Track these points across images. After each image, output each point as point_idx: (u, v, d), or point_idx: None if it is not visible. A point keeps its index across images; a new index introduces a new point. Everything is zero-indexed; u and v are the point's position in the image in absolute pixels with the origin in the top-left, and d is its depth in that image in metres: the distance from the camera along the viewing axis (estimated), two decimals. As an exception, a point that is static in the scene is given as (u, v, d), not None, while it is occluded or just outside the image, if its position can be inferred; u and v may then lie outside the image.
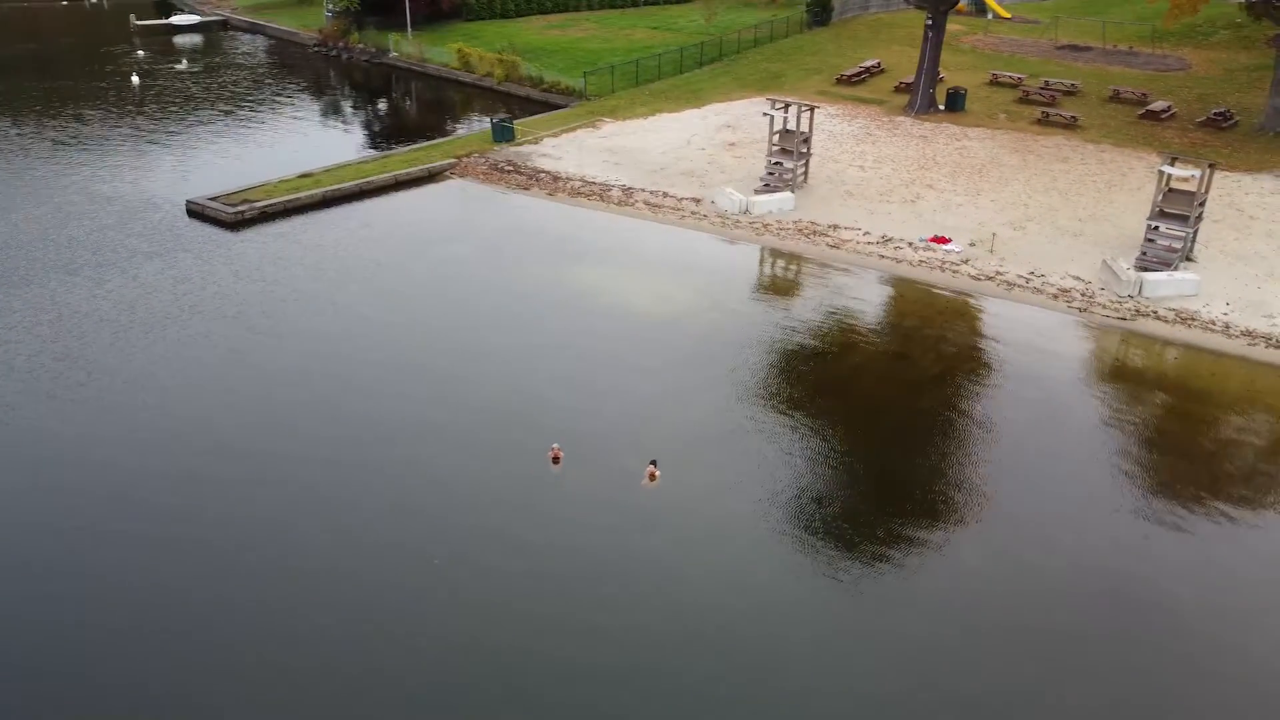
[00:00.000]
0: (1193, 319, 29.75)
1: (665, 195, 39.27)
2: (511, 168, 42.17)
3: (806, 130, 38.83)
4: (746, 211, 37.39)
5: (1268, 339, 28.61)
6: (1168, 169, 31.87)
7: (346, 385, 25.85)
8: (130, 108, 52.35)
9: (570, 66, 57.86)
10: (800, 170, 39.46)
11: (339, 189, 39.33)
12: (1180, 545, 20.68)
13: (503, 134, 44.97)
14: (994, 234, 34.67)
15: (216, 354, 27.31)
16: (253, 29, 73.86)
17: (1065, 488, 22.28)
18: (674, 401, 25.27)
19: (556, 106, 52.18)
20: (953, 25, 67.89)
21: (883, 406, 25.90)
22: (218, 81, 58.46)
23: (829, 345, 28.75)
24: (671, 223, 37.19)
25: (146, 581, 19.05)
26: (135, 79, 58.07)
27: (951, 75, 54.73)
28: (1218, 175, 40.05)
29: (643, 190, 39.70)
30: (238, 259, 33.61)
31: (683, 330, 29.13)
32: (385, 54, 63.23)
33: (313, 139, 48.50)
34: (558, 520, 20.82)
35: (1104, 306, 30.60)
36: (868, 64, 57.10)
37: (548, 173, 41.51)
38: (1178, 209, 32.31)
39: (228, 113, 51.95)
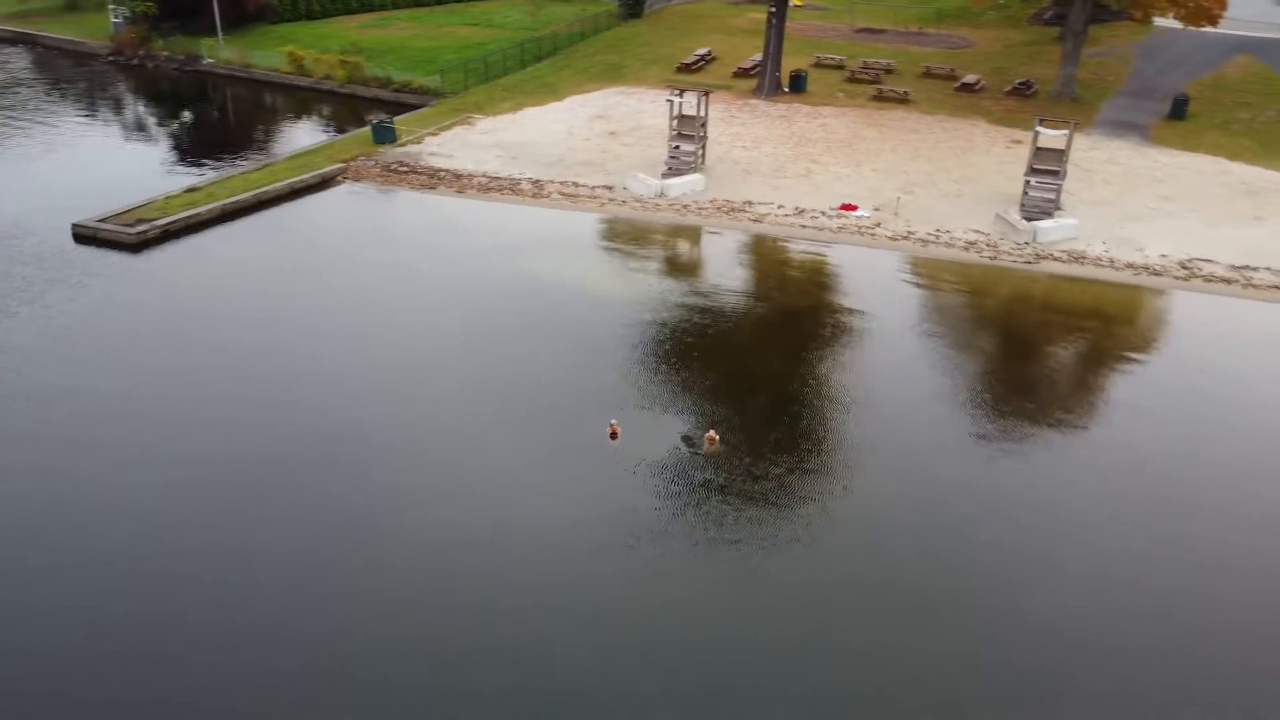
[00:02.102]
0: (1083, 257, 34.41)
1: (576, 185, 40.10)
2: (407, 168, 41.47)
3: (703, 115, 40.82)
4: (662, 194, 38.95)
5: (1146, 268, 33.63)
6: (1041, 129, 36.45)
7: (412, 397, 25.28)
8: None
9: (410, 66, 56.99)
10: (699, 153, 41.43)
11: (236, 201, 37.29)
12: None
13: (384, 135, 44.00)
14: (898, 198, 38.21)
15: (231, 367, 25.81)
16: (20, 40, 66.68)
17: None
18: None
19: (411, 106, 51.27)
20: (758, 14, 72.44)
21: (891, 329, 28.44)
22: (8, 102, 52.80)
23: (817, 298, 31.00)
24: (593, 210, 38.15)
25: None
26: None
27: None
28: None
29: (552, 182, 40.32)
30: (165, 279, 31.50)
31: (677, 306, 30.40)
32: (198, 61, 59.33)
33: (156, 155, 45.55)
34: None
35: (1009, 254, 34.70)
36: (700, 52, 59.95)
37: (448, 171, 41.18)
38: (1048, 165, 37.01)
39: (42, 133, 47.29)
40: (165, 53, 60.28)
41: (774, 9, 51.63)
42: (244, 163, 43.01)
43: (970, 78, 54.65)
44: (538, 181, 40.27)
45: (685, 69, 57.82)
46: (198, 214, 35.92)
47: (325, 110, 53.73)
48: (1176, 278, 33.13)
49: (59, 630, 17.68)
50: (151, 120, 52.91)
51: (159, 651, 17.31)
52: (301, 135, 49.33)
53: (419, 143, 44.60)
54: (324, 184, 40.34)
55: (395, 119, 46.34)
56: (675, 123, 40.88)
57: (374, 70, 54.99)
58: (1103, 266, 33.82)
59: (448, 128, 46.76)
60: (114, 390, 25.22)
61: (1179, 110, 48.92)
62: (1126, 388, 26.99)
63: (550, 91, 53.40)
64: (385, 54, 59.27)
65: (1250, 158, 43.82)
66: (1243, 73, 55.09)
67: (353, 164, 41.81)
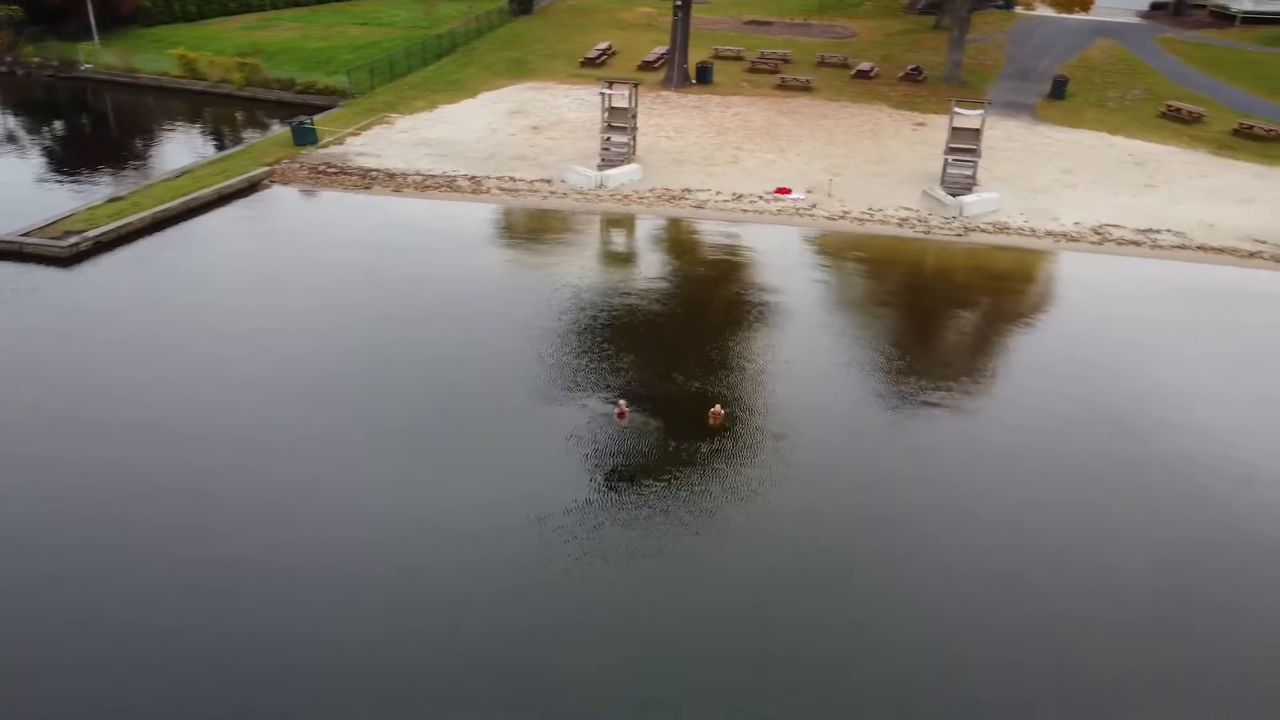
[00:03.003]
0: (1007, 227, 36.88)
1: (514, 180, 40.24)
2: (336, 169, 40.70)
3: (634, 107, 41.59)
4: (602, 185, 39.55)
5: (1064, 235, 36.34)
6: (958, 110, 38.79)
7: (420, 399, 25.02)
8: None
9: (309, 66, 55.72)
10: (631, 144, 42.17)
11: (167, 209, 35.84)
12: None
13: (305, 137, 43.01)
14: (830, 179, 39.93)
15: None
16: None
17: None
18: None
19: (319, 108, 50.05)
20: (647, 9, 73.80)
21: (850, 299, 29.90)
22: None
23: (789, 275, 32.22)
24: (537, 204, 38.42)
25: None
26: None
27: (682, 52, 59.80)
28: (944, 118, 48.57)
29: (489, 177, 40.33)
30: (116, 290, 30.18)
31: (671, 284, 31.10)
32: (75, 66, 56.24)
33: (52, 167, 43.26)
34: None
35: (940, 228, 36.86)
36: (601, 47, 60.67)
37: (380, 170, 40.63)
38: (965, 143, 39.42)
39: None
40: (36, 59, 56.87)
41: (679, 2, 52.79)
42: (158, 171, 41.34)
43: (865, 65, 57.24)
44: (474, 178, 40.20)
45: (589, 64, 58.42)
46: (129, 224, 34.36)
47: (225, 114, 51.88)
48: (1092, 242, 35.94)
49: None
50: (35, 131, 49.90)
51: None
52: (207, 141, 47.60)
53: (341, 143, 43.77)
54: (252, 188, 39.16)
55: (317, 119, 45.28)
56: (607, 115, 41.49)
57: (274, 72, 53.38)
58: (1026, 235, 36.34)
59: (367, 127, 46.02)
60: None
61: (1059, 90, 52.65)
62: (1064, 335, 29.19)
63: (460, 89, 53.11)
64: (278, 55, 57.65)
65: (1129, 132, 47.65)
66: (1105, 55, 59.60)
67: (278, 167, 40.72)
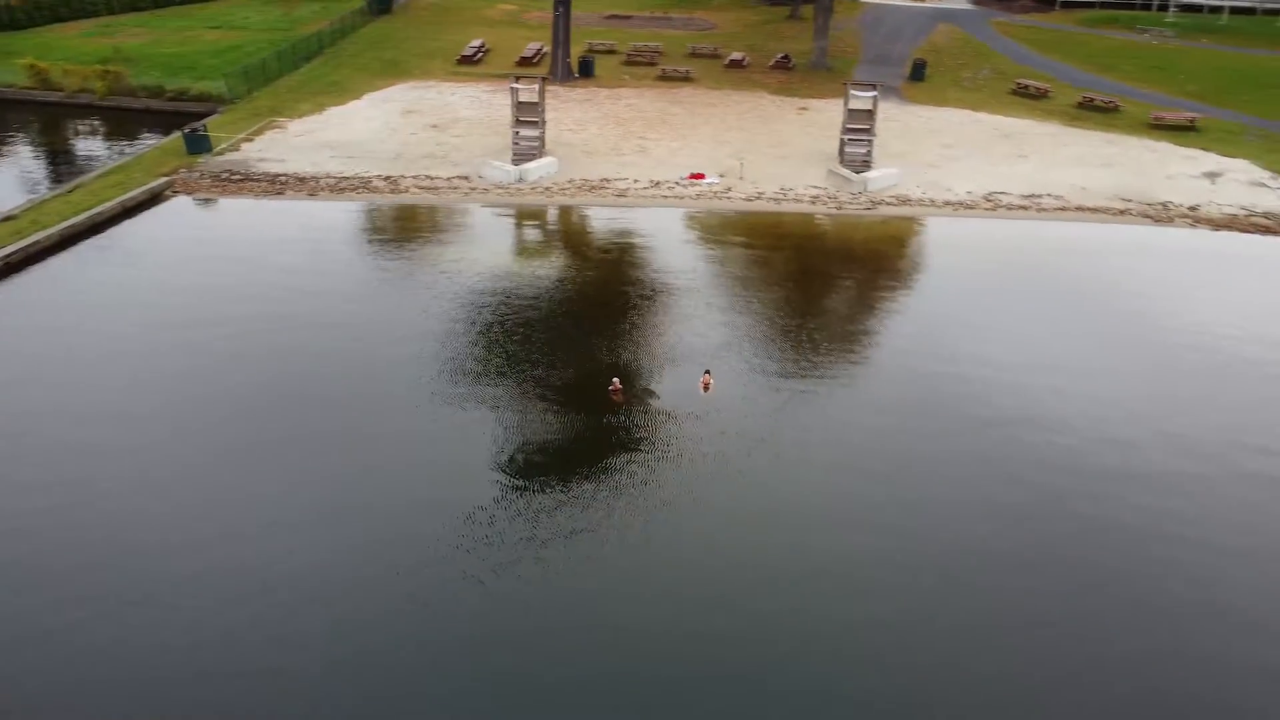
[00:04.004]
0: (909, 200, 39.56)
1: (430, 178, 40.01)
2: (241, 176, 39.35)
3: (543, 102, 42.04)
4: (522, 179, 39.89)
5: (961, 203, 39.31)
6: (853, 93, 41.23)
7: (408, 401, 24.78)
8: None
9: (171, 73, 53.17)
10: (541, 138, 42.60)
11: (72, 225, 33.92)
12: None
13: (199, 145, 41.35)
14: (741, 163, 41.61)
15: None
16: None
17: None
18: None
19: (194, 115, 47.90)
20: (509, 6, 73.93)
21: (786, 270, 31.57)
22: None
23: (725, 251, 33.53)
24: (458, 200, 38.40)
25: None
26: None
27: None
28: (823, 102, 51.35)
29: (404, 177, 39.94)
30: (48, 308, 28.44)
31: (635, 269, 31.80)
32: (-96, 81, 51.64)
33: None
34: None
35: (850, 203, 39.17)
36: (475, 44, 60.49)
37: (289, 175, 39.56)
38: (860, 124, 41.91)
39: None
40: None
41: (561, -2, 53.44)
42: (42, 187, 38.85)
43: (737, 55, 59.48)
44: (389, 178, 39.73)
45: (466, 61, 58.24)
46: (35, 242, 32.36)
47: (90, 125, 48.89)
48: (985, 209, 39.06)
49: None
50: None
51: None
52: (81, 154, 44.78)
53: (238, 150, 42.24)
54: (154, 199, 37.44)
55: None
56: (516, 110, 41.77)
57: (138, 80, 50.67)
58: (927, 205, 39.13)
59: (259, 132, 44.52)
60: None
61: (919, 73, 56.37)
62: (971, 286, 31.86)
63: (342, 90, 51.96)
64: (136, 62, 54.61)
65: (990, 108, 51.67)
66: (949, 39, 64.08)
67: (178, 177, 39.01)
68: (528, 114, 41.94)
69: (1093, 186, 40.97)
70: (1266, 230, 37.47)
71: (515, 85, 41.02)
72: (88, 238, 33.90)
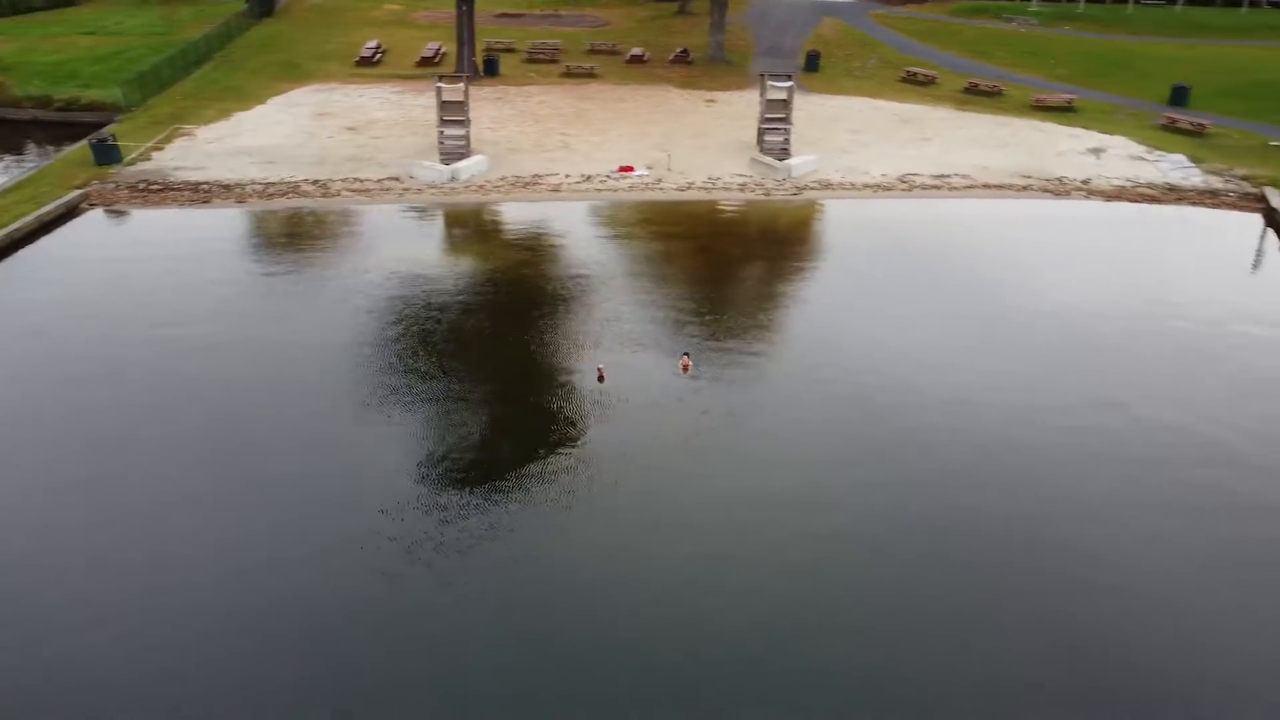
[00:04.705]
0: (830, 184, 41.38)
1: (359, 180, 39.56)
2: (161, 186, 38.07)
3: (468, 101, 42.04)
4: (454, 179, 39.87)
5: (879, 185, 41.35)
6: (771, 83, 42.79)
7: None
8: None
9: (53, 82, 50.78)
10: (467, 137, 42.58)
11: (-11, 243, 32.23)
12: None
13: (109, 155, 39.72)
14: (669, 154, 42.62)
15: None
16: None
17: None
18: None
19: (87, 125, 45.85)
20: (393, 5, 73.01)
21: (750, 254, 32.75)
22: None
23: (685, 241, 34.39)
24: (393, 202, 38.13)
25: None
26: None
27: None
28: (728, 94, 52.97)
29: (334, 180, 39.38)
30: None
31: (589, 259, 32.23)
32: None
33: None
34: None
35: (776, 189, 40.70)
36: (371, 45, 59.71)
37: (211, 183, 38.49)
38: (778, 113, 43.55)
39: None
40: None
41: (464, -4, 53.33)
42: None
43: (636, 50, 60.51)
44: (318, 182, 39.10)
45: (365, 62, 57.49)
46: (-44, 262, 30.68)
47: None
48: (902, 190, 41.22)
49: None
50: None
51: None
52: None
53: (149, 159, 40.72)
54: (71, 213, 35.85)
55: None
56: (441, 109, 41.65)
57: (24, 90, 48.07)
58: (849, 189, 41.03)
59: (168, 140, 43.03)
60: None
61: (813, 64, 58.62)
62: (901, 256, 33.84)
63: (244, 95, 50.55)
64: (11, 70, 51.79)
65: (885, 95, 54.25)
66: (835, 31, 66.79)
67: (91, 189, 37.42)
68: (453, 113, 41.88)
69: (993, 165, 43.69)
70: (1152, 199, 40.85)
71: (440, 84, 40.89)
72: (9, 254, 32.28)
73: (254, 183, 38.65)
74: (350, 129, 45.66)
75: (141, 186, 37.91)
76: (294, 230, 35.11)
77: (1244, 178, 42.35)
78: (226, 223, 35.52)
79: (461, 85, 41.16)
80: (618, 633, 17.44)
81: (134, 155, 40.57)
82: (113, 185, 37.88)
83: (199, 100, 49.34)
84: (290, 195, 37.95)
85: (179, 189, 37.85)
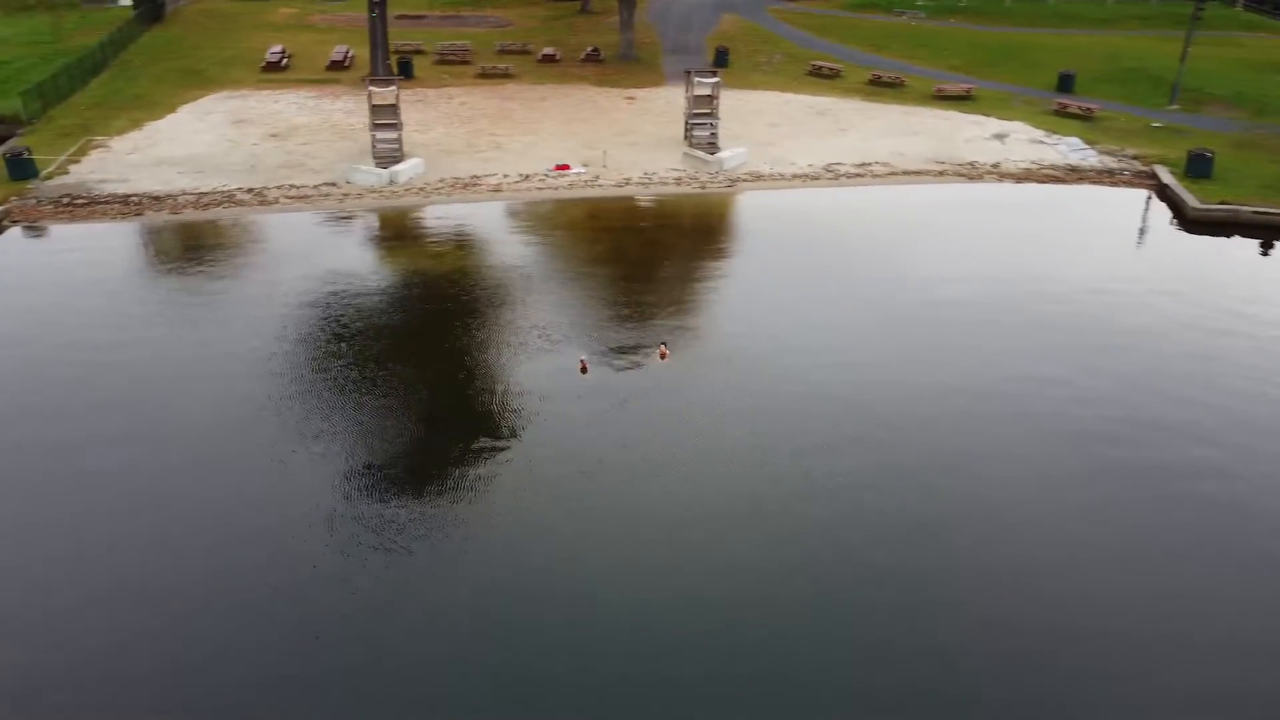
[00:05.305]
0: (761, 176, 42.79)
1: (295, 187, 39.03)
2: (86, 200, 36.81)
3: (399, 104, 41.80)
4: (393, 182, 39.69)
5: (807, 175, 43.00)
6: (697, 79, 43.90)
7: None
8: None
9: (-61, 96, 47.96)
10: (400, 140, 42.33)
11: (-84, 265, 30.67)
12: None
13: (25, 169, 38.14)
14: (605, 152, 43.26)
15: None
16: None
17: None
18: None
19: (-11, 139, 43.82)
20: (290, 9, 71.49)
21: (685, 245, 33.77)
22: None
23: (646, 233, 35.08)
24: (334, 208, 37.77)
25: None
26: None
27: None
28: (646, 91, 54.02)
29: (268, 188, 38.74)
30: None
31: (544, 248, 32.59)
32: None
33: None
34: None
35: (710, 183, 41.86)
36: (276, 50, 58.39)
37: (141, 195, 37.45)
38: (703, 108, 44.70)
39: None
40: None
41: (376, 0, 52.66)
42: None
43: (548, 50, 60.86)
44: (253, 190, 38.38)
45: (272, 68, 56.28)
46: (-116, 287, 29.13)
47: None
48: (828, 179, 42.94)
49: None
50: None
51: None
52: None
53: (66, 173, 39.20)
54: (-7, 231, 34.38)
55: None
56: (373, 113, 41.33)
57: (-88, 103, 45.47)
58: (778, 180, 42.52)
59: (82, 152, 41.45)
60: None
61: (722, 59, 60.04)
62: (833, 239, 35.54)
63: (152, 104, 48.94)
64: (-110, 84, 48.88)
65: (795, 89, 56.05)
66: (736, 28, 68.48)
67: (12, 205, 35.88)
68: (385, 116, 41.59)
69: (909, 153, 45.87)
70: (1057, 180, 43.66)
71: (371, 88, 40.58)
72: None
73: (186, 193, 37.70)
74: (274, 135, 44.79)
75: (65, 201, 36.55)
76: (235, 239, 34.50)
77: (1134, 157, 45.65)
78: (164, 235, 34.62)
79: (393, 89, 40.92)
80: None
81: (51, 169, 38.98)
82: (33, 200, 36.41)
83: (105, 110, 47.54)
84: (226, 204, 37.18)
85: (107, 202, 36.64)
